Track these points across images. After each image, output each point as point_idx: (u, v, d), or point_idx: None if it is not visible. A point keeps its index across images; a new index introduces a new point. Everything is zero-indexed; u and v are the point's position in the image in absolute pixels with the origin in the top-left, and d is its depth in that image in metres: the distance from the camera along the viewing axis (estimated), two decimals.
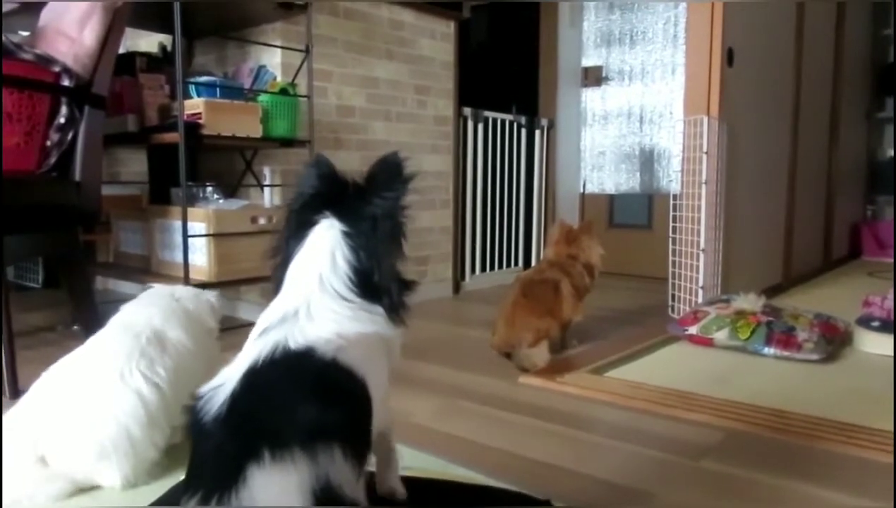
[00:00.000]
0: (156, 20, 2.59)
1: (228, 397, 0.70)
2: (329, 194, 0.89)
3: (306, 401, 0.71)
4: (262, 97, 2.43)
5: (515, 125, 3.80)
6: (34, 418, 1.18)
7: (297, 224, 0.88)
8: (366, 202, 0.86)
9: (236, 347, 0.82)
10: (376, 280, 0.84)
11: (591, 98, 4.25)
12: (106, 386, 1.19)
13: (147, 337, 1.27)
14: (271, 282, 0.89)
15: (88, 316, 2.13)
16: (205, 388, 0.73)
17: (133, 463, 1.17)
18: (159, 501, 1.12)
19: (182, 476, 1.16)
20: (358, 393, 0.78)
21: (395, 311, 0.86)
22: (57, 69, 1.89)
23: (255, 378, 0.73)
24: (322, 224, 0.86)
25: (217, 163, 2.80)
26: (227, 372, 0.75)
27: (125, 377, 1.20)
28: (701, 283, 2.63)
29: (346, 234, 0.85)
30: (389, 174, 0.88)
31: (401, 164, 0.88)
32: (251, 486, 0.65)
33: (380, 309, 0.84)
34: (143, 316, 1.33)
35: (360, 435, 0.77)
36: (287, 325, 0.78)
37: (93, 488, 1.17)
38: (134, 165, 3.22)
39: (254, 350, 0.76)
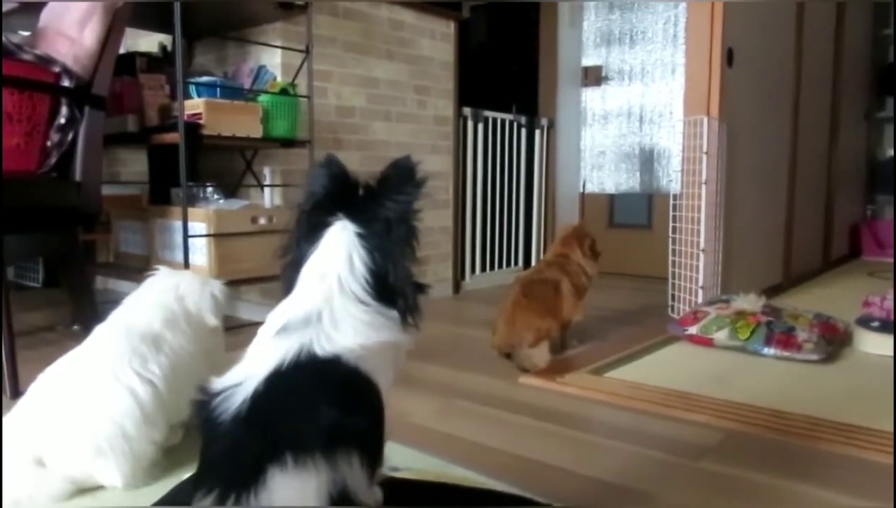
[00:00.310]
0: (156, 20, 2.59)
1: (250, 396, 0.70)
2: (340, 195, 0.88)
3: (331, 408, 0.71)
4: (262, 97, 2.43)
5: (515, 125, 3.81)
6: (31, 420, 1.18)
7: (309, 225, 0.88)
8: (378, 204, 0.86)
9: (237, 346, 0.82)
10: (392, 282, 0.84)
11: (591, 98, 4.25)
12: (99, 386, 1.19)
13: (140, 335, 1.27)
14: (281, 282, 0.89)
15: (88, 315, 2.13)
16: (220, 385, 0.72)
17: (131, 461, 1.17)
18: (161, 501, 1.12)
19: (183, 477, 1.18)
20: (376, 401, 0.79)
21: (410, 314, 0.86)
22: (57, 70, 1.89)
23: (279, 380, 0.72)
24: (336, 225, 0.86)
25: (217, 163, 2.80)
26: (244, 370, 0.74)
27: (118, 376, 1.20)
28: (701, 283, 2.63)
29: (361, 236, 0.85)
30: (402, 177, 0.88)
31: (414, 168, 0.88)
32: (271, 488, 0.65)
33: (394, 313, 0.84)
34: (143, 320, 1.32)
35: (376, 442, 0.78)
36: (311, 328, 0.78)
37: (93, 488, 1.18)
38: (134, 165, 3.22)
39: (277, 350, 0.75)
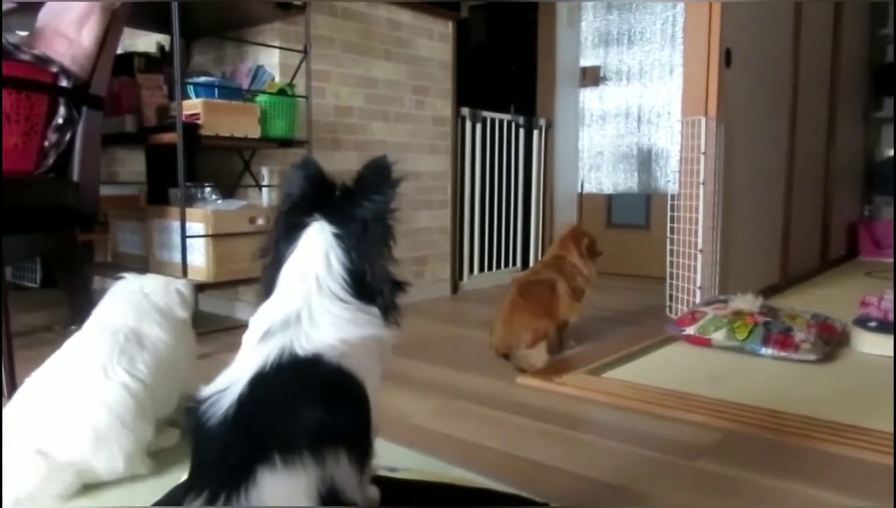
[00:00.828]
0: (154, 20, 2.58)
1: (236, 401, 0.71)
2: (317, 196, 0.89)
3: (314, 407, 0.72)
4: (261, 97, 2.43)
5: (513, 125, 3.81)
6: (27, 419, 1.19)
7: (287, 226, 0.89)
8: (354, 204, 0.87)
9: (235, 347, 0.82)
10: (369, 281, 0.85)
11: (589, 98, 4.25)
12: (92, 383, 1.22)
13: (125, 335, 1.31)
14: (262, 284, 0.90)
15: (86, 316, 2.13)
16: (208, 391, 0.74)
17: (129, 447, 1.20)
18: (159, 502, 1.12)
19: (180, 478, 1.18)
20: (360, 398, 0.79)
21: (389, 312, 0.87)
22: (55, 70, 1.89)
23: (263, 383, 0.73)
24: (313, 226, 0.87)
25: (215, 164, 2.80)
26: (231, 375, 0.75)
27: (109, 373, 1.24)
28: (699, 283, 2.63)
29: (338, 236, 0.86)
30: (378, 177, 0.88)
31: (389, 167, 0.89)
32: (261, 487, 0.66)
33: (375, 310, 0.85)
34: (118, 317, 1.36)
35: (362, 439, 0.79)
36: (291, 330, 0.79)
37: (94, 487, 1.18)
38: (132, 165, 3.22)
39: (259, 354, 0.76)
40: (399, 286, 0.89)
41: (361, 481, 0.77)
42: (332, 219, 0.87)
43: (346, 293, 0.83)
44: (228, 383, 0.73)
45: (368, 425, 0.81)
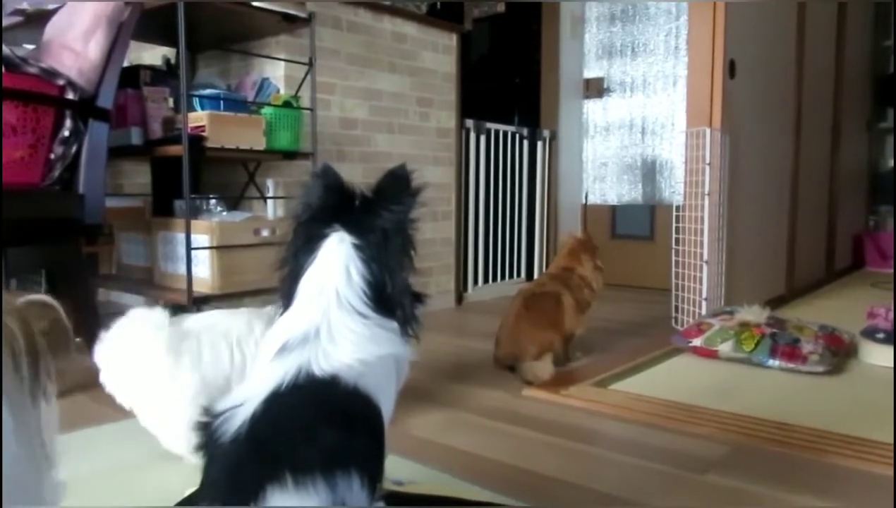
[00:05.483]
0: (160, 33, 2.60)
1: (249, 418, 0.70)
2: (336, 206, 0.88)
3: (329, 429, 0.71)
4: (266, 110, 2.44)
5: (517, 136, 3.81)
6: None
7: (306, 237, 0.87)
8: (374, 215, 0.86)
9: None
10: (389, 292, 0.84)
11: (593, 109, 4.26)
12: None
13: None
14: (279, 296, 0.88)
15: (90, 328, 2.13)
16: (222, 406, 0.72)
17: None
18: None
19: (186, 493, 1.17)
20: (375, 421, 0.78)
21: (409, 325, 0.86)
22: (62, 83, 1.89)
23: (278, 402, 0.72)
24: (332, 237, 0.85)
25: (220, 176, 2.80)
26: (246, 390, 0.74)
27: None
28: (704, 295, 2.62)
29: (358, 247, 0.84)
30: (398, 187, 0.87)
31: (409, 177, 0.88)
32: (270, 504, 0.65)
33: (394, 325, 0.84)
34: None
35: (375, 463, 0.77)
36: (309, 347, 0.77)
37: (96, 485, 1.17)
38: (137, 177, 3.23)
39: (276, 371, 0.75)
40: (418, 298, 0.88)
41: (371, 502, 0.76)
42: (351, 229, 0.85)
43: (366, 306, 0.82)
44: (243, 399, 0.72)
45: (382, 448, 0.79)
